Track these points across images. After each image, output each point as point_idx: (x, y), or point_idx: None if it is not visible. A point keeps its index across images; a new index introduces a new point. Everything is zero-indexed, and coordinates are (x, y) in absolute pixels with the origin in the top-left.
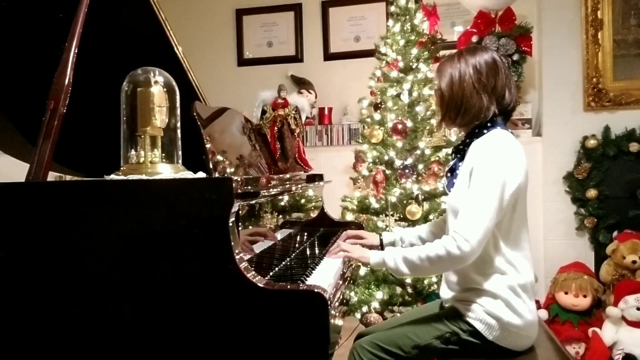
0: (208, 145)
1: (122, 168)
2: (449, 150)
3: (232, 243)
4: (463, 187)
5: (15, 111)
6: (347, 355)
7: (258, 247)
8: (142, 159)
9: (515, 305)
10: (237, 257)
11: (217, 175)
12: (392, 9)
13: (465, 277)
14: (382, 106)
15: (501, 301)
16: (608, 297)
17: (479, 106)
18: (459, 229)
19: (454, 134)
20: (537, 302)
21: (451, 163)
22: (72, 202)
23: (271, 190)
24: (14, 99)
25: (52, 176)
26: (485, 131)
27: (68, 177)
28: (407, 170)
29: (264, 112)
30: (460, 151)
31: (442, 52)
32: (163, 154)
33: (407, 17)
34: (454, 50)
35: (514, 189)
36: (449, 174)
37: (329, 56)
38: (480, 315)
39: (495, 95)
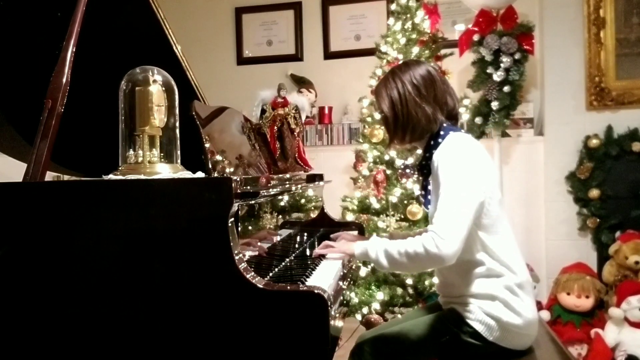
0: (207, 145)
1: (120, 168)
2: None
3: (232, 243)
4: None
5: (13, 110)
6: (347, 356)
7: (257, 248)
8: (140, 159)
9: (514, 304)
10: (237, 257)
11: (216, 175)
12: (393, 7)
13: (461, 285)
14: None
15: (499, 302)
16: (610, 298)
17: (426, 118)
18: (437, 229)
19: None
20: (539, 302)
21: (421, 181)
22: (70, 202)
23: (271, 190)
24: (11, 98)
25: (49, 176)
26: (440, 140)
27: (66, 177)
28: (407, 170)
29: (263, 111)
30: (424, 167)
31: (443, 51)
32: (162, 154)
33: (408, 15)
34: (455, 49)
35: (484, 187)
36: (422, 192)
37: (329, 55)
38: (480, 317)
39: (438, 103)
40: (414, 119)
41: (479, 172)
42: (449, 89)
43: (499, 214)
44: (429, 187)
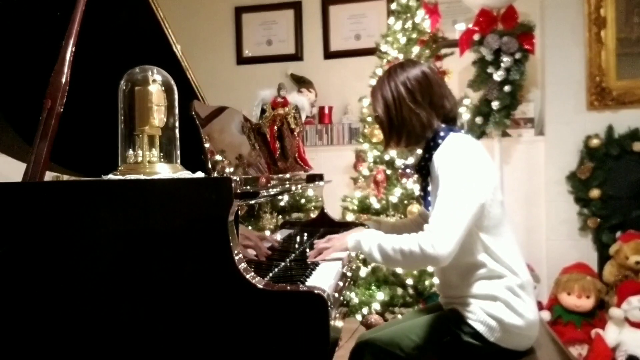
0: (207, 145)
1: (120, 168)
2: None
3: (231, 243)
4: None
5: (12, 110)
6: (347, 356)
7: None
8: (140, 159)
9: (515, 305)
10: (237, 257)
11: (216, 175)
12: (393, 6)
13: (462, 286)
14: None
15: (501, 302)
16: (611, 298)
17: (421, 125)
18: (434, 229)
19: None
20: (539, 303)
21: (421, 184)
22: (69, 202)
23: (271, 190)
24: (10, 98)
25: (49, 176)
26: (440, 141)
27: (65, 177)
28: (408, 170)
29: (263, 111)
30: (423, 168)
31: (443, 51)
32: (161, 154)
33: (408, 15)
34: (455, 49)
35: (485, 189)
36: (422, 193)
37: (329, 54)
38: (481, 317)
39: (434, 108)
40: (408, 125)
41: (479, 173)
42: (445, 92)
43: (501, 215)
44: (429, 189)
